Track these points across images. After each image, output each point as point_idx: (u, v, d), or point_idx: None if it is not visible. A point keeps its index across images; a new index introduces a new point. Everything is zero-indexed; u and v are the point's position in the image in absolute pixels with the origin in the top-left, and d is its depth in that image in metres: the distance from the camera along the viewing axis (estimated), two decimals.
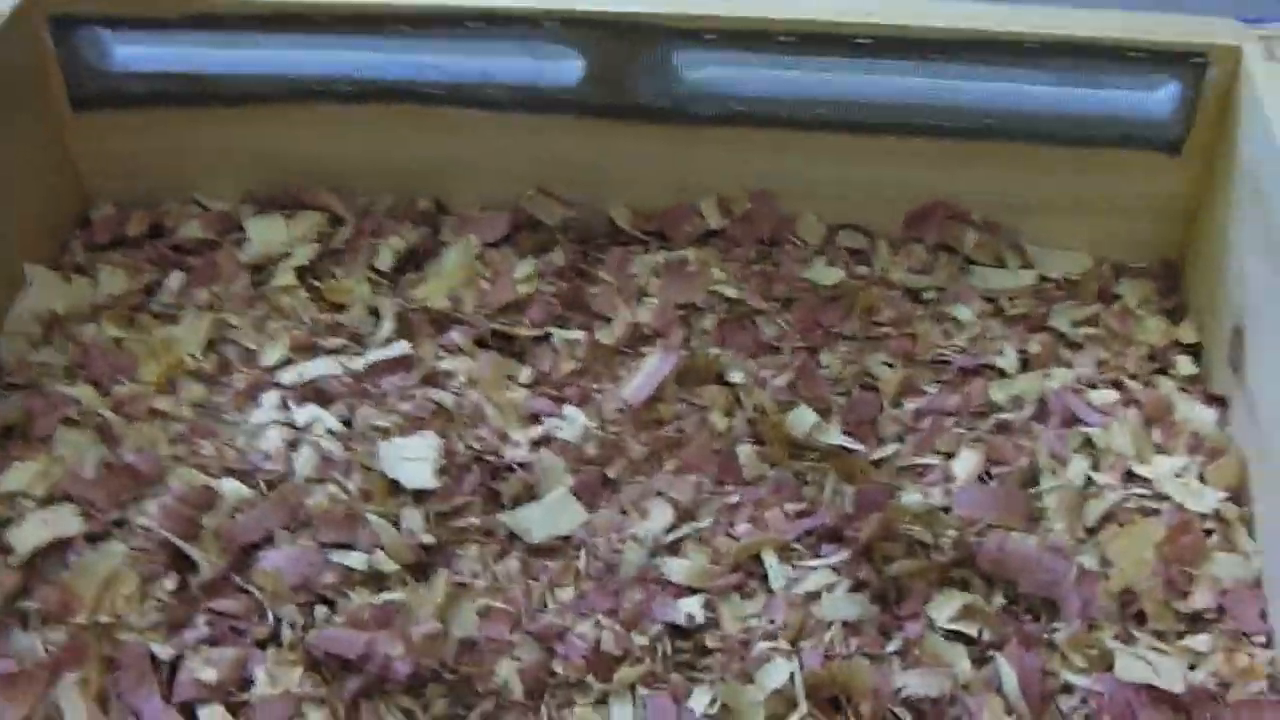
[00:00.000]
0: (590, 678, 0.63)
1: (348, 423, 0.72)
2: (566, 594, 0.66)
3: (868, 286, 0.80)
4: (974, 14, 0.77)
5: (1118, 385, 0.75)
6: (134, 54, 0.83)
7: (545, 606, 0.66)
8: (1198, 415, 0.73)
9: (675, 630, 0.65)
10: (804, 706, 0.62)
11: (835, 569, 0.67)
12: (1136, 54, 0.76)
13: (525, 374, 0.76)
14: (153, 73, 0.82)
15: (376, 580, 0.66)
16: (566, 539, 0.68)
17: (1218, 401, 0.74)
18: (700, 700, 0.63)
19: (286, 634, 0.64)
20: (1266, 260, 0.70)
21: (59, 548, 0.67)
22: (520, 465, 0.70)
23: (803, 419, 0.72)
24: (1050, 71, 0.78)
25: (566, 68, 0.80)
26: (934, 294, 0.81)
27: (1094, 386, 0.76)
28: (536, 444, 0.72)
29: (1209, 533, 0.68)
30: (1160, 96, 0.79)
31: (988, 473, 0.71)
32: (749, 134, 0.81)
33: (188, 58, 0.82)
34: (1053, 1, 0.78)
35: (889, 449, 0.73)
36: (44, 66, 0.81)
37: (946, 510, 0.69)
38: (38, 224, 0.83)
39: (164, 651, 0.63)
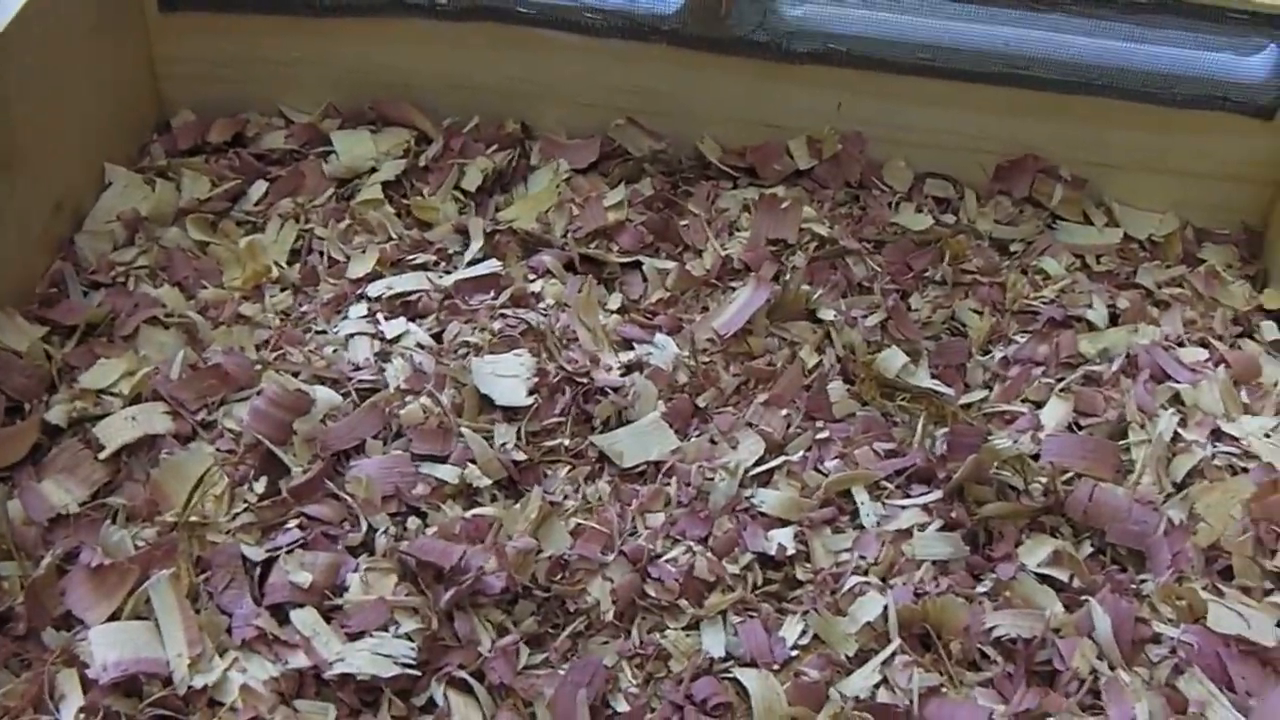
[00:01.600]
0: (682, 602, 0.63)
1: (438, 337, 0.72)
2: (657, 519, 0.66)
3: (956, 235, 0.80)
4: None
5: (1205, 345, 0.76)
6: None
7: (636, 530, 0.66)
8: None
9: (766, 560, 0.65)
10: (896, 641, 0.62)
11: (926, 509, 0.67)
12: (1237, 15, 0.76)
13: (615, 300, 0.76)
14: None
15: (468, 494, 0.66)
16: (657, 465, 0.68)
17: None
18: (791, 630, 0.63)
19: (380, 541, 0.63)
20: None
21: (147, 446, 0.67)
22: (612, 389, 0.70)
23: (893, 360, 0.72)
24: (1150, 29, 0.78)
25: None
26: (1020, 246, 0.81)
27: (1182, 345, 0.76)
28: (628, 369, 0.71)
29: None
30: (1257, 60, 0.79)
31: (1076, 423, 0.72)
32: (844, 74, 0.81)
33: None
34: None
35: (978, 394, 0.73)
36: None
37: (1035, 458, 0.69)
38: (117, 125, 0.82)
39: (255, 553, 0.63)
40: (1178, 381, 0.73)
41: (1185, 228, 0.83)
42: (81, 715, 0.58)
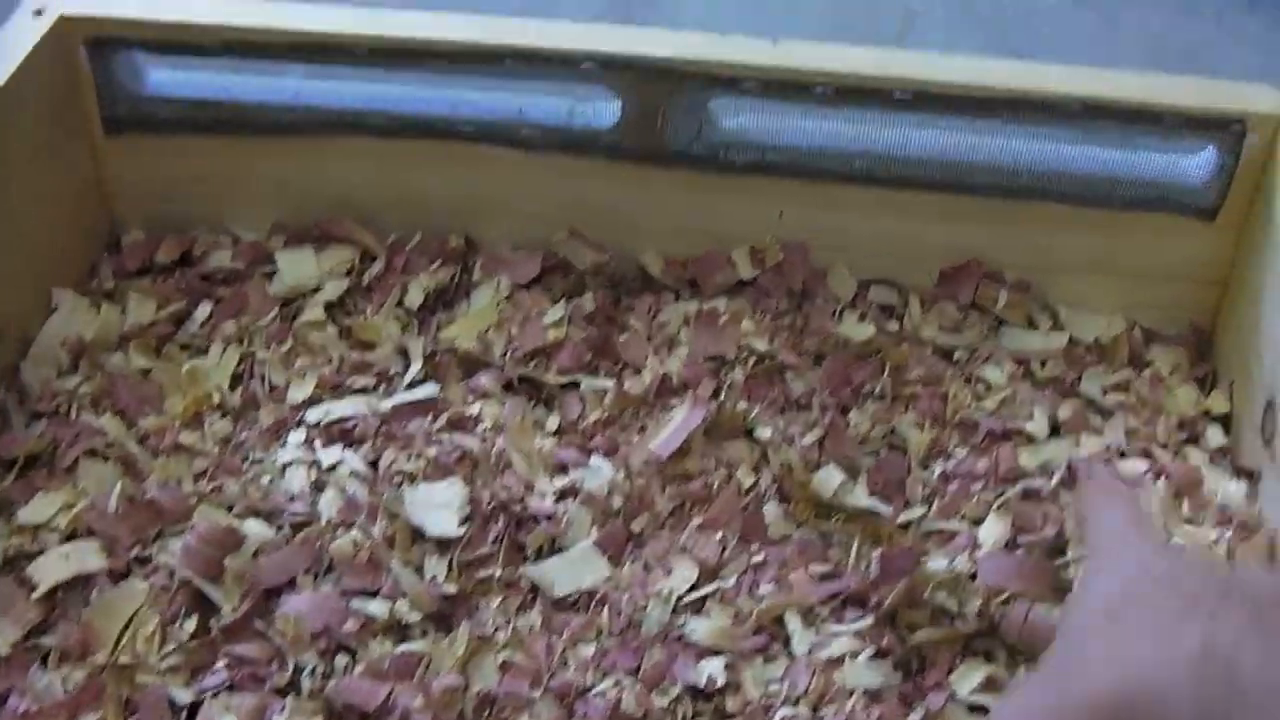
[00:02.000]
0: None
1: (374, 464, 0.72)
2: (588, 650, 0.66)
3: (898, 344, 0.80)
4: (1014, 73, 0.77)
5: (1147, 454, 0.75)
6: (168, 79, 0.83)
7: (566, 663, 0.65)
8: (1227, 488, 0.73)
9: (695, 692, 0.65)
10: None
11: (859, 635, 0.66)
12: (1175, 118, 0.76)
13: (552, 421, 0.76)
14: (186, 98, 0.82)
15: (398, 629, 0.66)
16: (590, 593, 0.68)
17: (1248, 475, 0.74)
18: None
19: (306, 683, 0.63)
20: None
21: (80, 584, 0.67)
22: (545, 517, 0.70)
23: (830, 479, 0.72)
24: (1088, 133, 0.77)
25: (602, 110, 0.80)
26: (964, 354, 0.81)
27: (1123, 455, 0.75)
28: (562, 495, 0.71)
29: None
30: (1197, 162, 0.78)
31: (1014, 540, 0.71)
32: (783, 184, 0.81)
33: (222, 85, 0.82)
34: (1091, 62, 0.78)
35: (916, 512, 0.72)
36: (78, 88, 0.81)
37: (972, 577, 0.68)
38: (67, 247, 0.82)
39: (183, 696, 0.63)
40: None
41: (1133, 329, 0.82)
42: None
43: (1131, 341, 0.81)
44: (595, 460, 0.73)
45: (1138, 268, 0.81)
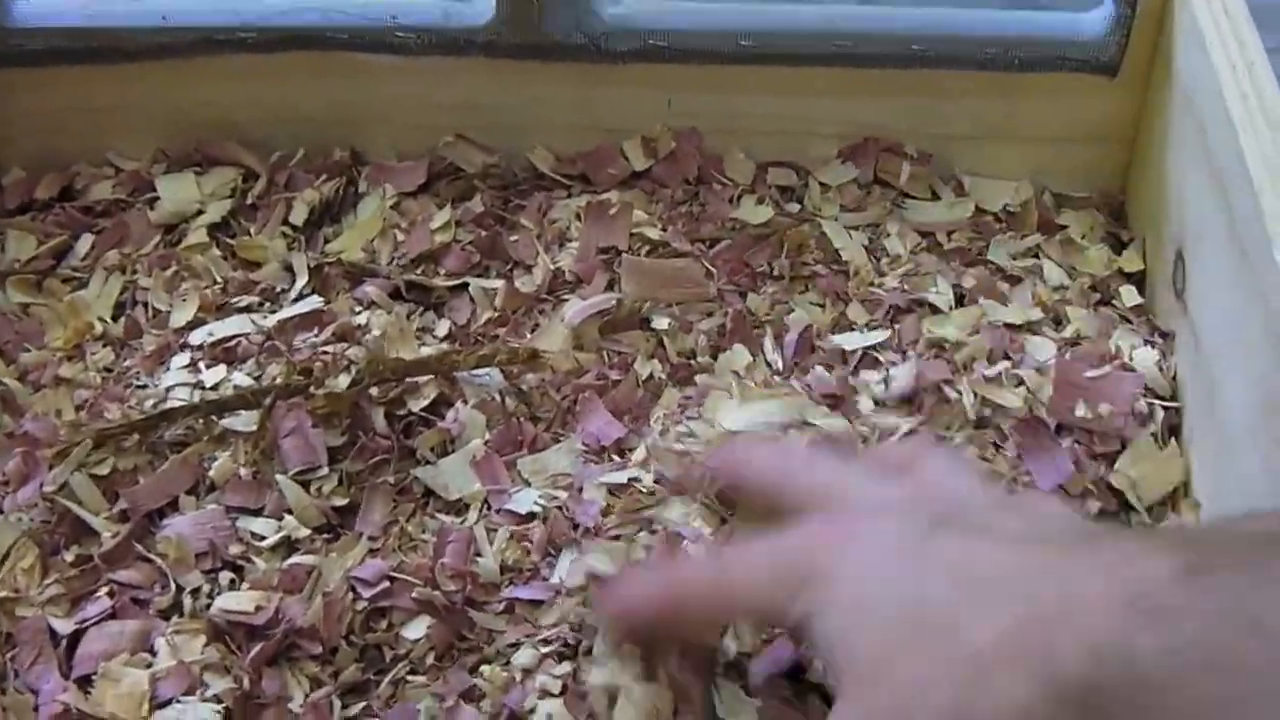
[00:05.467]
0: (501, 643, 0.61)
1: (258, 380, 0.70)
2: (484, 551, 0.64)
3: (798, 224, 0.77)
4: None
5: (1057, 320, 0.73)
6: (33, 10, 0.79)
7: (459, 567, 0.63)
8: (1141, 355, 0.70)
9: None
10: None
11: None
12: None
13: (442, 326, 0.73)
14: (51, 28, 0.79)
15: (286, 544, 0.64)
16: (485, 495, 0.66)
17: (1163, 336, 0.71)
18: None
19: (188, 602, 0.61)
20: (1206, 181, 0.67)
21: None
22: (437, 419, 0.67)
23: (735, 359, 0.70)
24: None
25: (476, 7, 0.77)
26: (868, 230, 0.78)
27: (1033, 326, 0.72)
28: (453, 397, 0.69)
29: None
30: (1094, 17, 0.76)
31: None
32: (670, 70, 0.78)
33: (89, 12, 0.79)
34: None
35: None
36: None
37: None
38: None
39: (64, 626, 0.61)
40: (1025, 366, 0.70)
41: (1043, 194, 0.80)
42: None
43: (1041, 207, 0.79)
44: None
45: (1042, 131, 0.78)
